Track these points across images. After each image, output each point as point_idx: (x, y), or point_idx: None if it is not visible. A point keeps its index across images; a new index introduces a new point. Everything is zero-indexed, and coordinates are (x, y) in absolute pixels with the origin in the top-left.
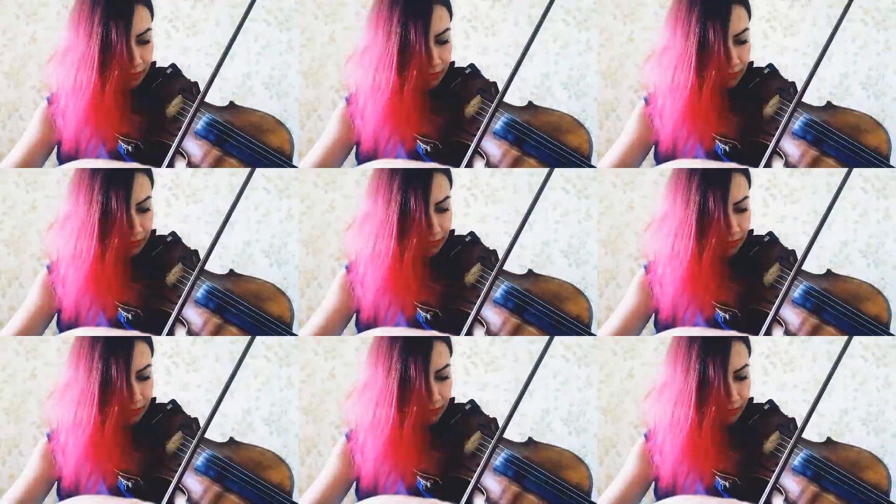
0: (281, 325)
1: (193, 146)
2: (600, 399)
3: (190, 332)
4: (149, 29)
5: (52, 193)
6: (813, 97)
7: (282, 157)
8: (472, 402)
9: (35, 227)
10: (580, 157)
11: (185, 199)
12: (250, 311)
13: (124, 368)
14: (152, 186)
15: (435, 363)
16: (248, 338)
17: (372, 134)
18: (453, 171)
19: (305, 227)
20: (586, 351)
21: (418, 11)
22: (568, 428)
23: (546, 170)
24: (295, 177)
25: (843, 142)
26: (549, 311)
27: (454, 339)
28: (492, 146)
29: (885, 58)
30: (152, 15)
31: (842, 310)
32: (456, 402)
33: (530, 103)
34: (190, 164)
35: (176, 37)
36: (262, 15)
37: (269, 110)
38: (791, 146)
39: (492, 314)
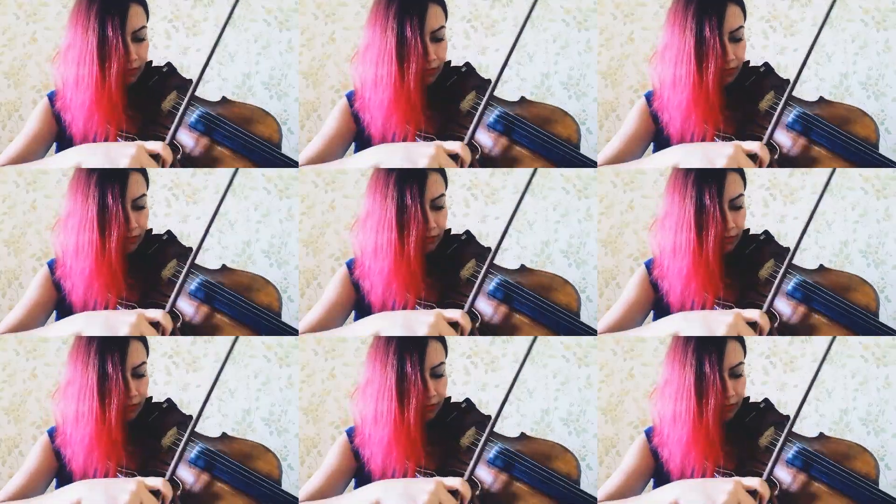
0: (269, 314)
1: (186, 137)
2: (600, 399)
3: (183, 323)
4: (143, 27)
5: (52, 193)
6: (812, 95)
7: (269, 145)
8: (467, 400)
9: (35, 227)
10: (568, 145)
11: (185, 199)
12: (237, 299)
13: (120, 364)
14: (147, 185)
15: (430, 360)
16: (247, 337)
17: (381, 127)
18: (454, 171)
19: (305, 227)
20: (586, 351)
21: (413, 8)
22: (568, 428)
23: (532, 170)
24: (295, 177)
25: (832, 131)
26: (536, 299)
27: (454, 339)
28: (484, 137)
29: (885, 58)
30: (147, 14)
31: (830, 299)
32: (452, 401)
33: (522, 98)
34: (183, 155)
35: (176, 37)
36: (262, 15)
37: (269, 110)
38: (784, 137)
39: (485, 305)
